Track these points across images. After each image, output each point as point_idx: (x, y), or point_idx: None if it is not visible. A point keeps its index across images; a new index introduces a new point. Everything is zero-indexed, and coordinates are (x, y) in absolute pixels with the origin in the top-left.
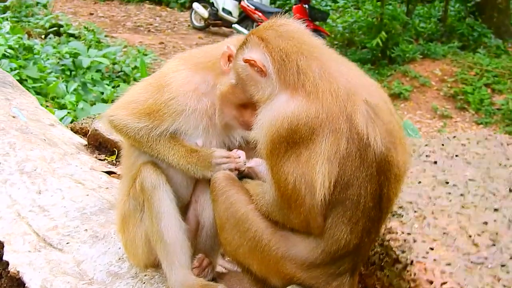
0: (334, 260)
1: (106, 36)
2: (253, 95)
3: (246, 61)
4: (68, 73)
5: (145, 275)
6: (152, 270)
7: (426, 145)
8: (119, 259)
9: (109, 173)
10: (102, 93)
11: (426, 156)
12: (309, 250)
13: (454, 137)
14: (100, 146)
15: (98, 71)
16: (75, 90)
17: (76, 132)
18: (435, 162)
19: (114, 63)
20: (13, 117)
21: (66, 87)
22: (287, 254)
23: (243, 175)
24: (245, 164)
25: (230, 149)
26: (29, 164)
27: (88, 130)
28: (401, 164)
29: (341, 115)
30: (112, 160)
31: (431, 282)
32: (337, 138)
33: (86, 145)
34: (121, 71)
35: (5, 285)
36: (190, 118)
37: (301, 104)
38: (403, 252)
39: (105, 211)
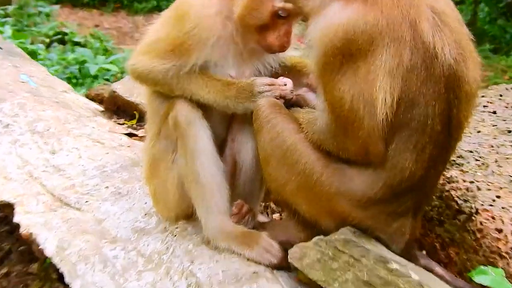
0: (396, 195)
1: (113, 48)
2: (303, 6)
3: None
4: (74, 81)
5: (177, 228)
6: (183, 222)
7: (483, 96)
8: (145, 214)
9: (130, 135)
10: None
11: (484, 106)
12: (367, 184)
13: None
14: (119, 110)
15: (106, 79)
16: None
17: (91, 99)
18: (494, 112)
19: (123, 72)
20: (22, 82)
21: None
22: (341, 189)
23: (290, 103)
24: (292, 92)
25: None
26: (41, 124)
27: (104, 97)
28: (472, 80)
29: (404, 22)
30: (132, 125)
31: (500, 231)
32: (400, 48)
33: (103, 110)
34: None
35: (15, 261)
36: (216, 47)
37: (357, 10)
38: (465, 201)
39: (128, 168)
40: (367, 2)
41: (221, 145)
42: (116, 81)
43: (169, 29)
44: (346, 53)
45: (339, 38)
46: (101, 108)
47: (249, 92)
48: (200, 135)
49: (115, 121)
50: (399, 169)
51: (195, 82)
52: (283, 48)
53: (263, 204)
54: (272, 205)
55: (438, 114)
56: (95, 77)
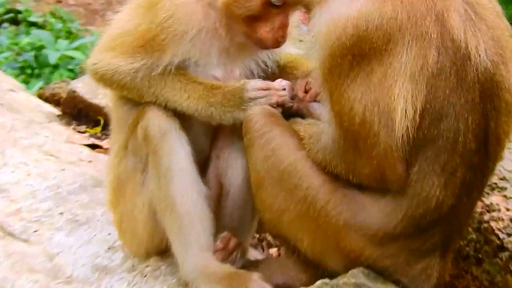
0: (420, 230)
1: (79, 30)
2: None
3: None
4: (29, 71)
5: (147, 267)
6: (156, 259)
7: None
8: (108, 248)
9: (93, 147)
10: None
11: None
12: (384, 214)
13: None
14: (80, 114)
15: (70, 70)
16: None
17: (45, 100)
18: None
19: None
20: None
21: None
22: (352, 221)
23: (290, 113)
24: (293, 99)
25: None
26: None
27: (62, 98)
28: None
29: (429, 15)
30: (96, 133)
31: None
32: (424, 48)
33: (59, 115)
34: None
35: None
36: (197, 41)
37: (371, 0)
38: (509, 235)
39: (89, 189)
40: None
41: (203, 164)
42: (82, 72)
43: (139, 19)
44: (357, 53)
45: (349, 34)
46: (57, 111)
47: (239, 98)
48: (177, 151)
49: (74, 129)
50: (424, 197)
51: (170, 86)
52: (277, 43)
53: (257, 236)
54: (269, 237)
55: (472, 129)
56: (56, 66)
